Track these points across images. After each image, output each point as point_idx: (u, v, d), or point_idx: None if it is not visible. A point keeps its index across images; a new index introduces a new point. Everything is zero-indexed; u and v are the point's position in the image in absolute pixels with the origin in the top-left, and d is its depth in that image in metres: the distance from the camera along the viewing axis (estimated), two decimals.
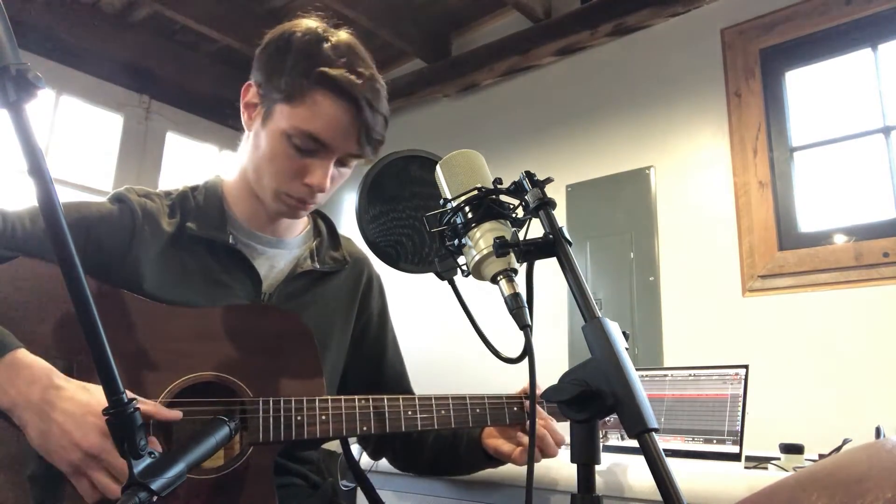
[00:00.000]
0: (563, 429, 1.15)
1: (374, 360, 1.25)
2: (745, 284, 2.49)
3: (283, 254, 1.15)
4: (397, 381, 1.26)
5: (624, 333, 0.64)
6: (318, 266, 1.15)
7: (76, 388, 0.81)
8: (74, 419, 0.78)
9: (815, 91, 2.57)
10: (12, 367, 0.80)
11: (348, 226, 1.05)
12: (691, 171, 2.74)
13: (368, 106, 1.01)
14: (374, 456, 1.30)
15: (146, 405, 0.84)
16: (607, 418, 1.24)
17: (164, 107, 3.93)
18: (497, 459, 1.16)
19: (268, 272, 1.12)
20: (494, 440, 1.14)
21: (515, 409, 1.13)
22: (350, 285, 1.21)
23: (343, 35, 1.07)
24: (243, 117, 1.09)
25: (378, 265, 1.13)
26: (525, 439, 1.12)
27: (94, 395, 0.81)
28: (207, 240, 1.06)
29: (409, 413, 1.03)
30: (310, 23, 1.07)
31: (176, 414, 0.86)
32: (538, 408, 1.14)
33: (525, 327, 0.70)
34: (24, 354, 0.82)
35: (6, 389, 0.79)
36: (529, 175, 0.77)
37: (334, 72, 1.00)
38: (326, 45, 1.02)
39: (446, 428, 1.08)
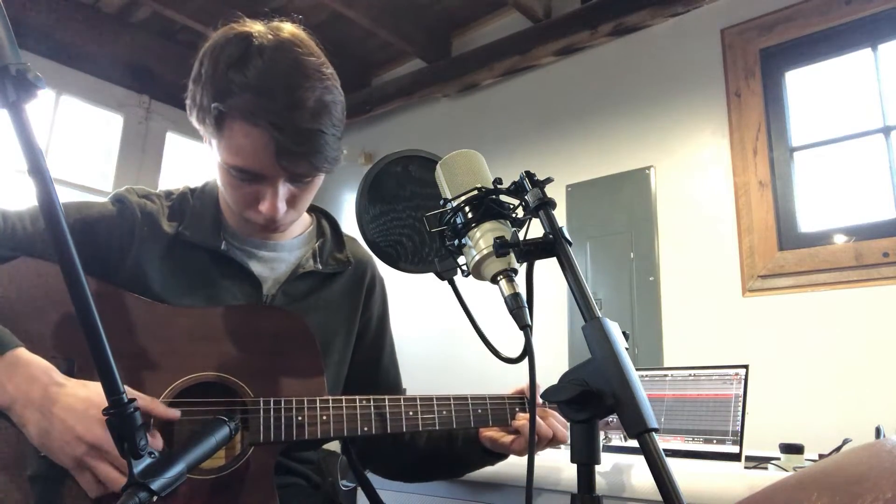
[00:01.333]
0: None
1: (369, 364, 1.22)
2: (745, 284, 2.49)
3: (282, 256, 1.14)
4: (390, 388, 1.24)
5: (624, 333, 0.64)
6: (320, 267, 1.13)
7: (75, 386, 0.82)
8: (76, 414, 0.78)
9: (815, 91, 2.57)
10: (12, 366, 0.81)
11: (349, 226, 1.04)
12: (691, 171, 2.74)
13: (277, 128, 0.90)
14: (360, 463, 1.20)
15: (143, 400, 0.84)
16: (610, 419, 1.24)
17: (164, 107, 3.93)
18: (495, 455, 1.15)
19: (268, 275, 1.11)
20: (491, 432, 1.14)
21: (518, 409, 1.13)
22: (353, 286, 1.19)
23: (274, 38, 0.95)
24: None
25: (380, 266, 1.13)
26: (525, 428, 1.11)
27: (93, 391, 0.81)
28: (202, 246, 1.06)
29: (411, 413, 1.03)
30: (237, 32, 0.95)
31: (174, 413, 0.86)
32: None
33: (525, 327, 0.70)
34: (23, 353, 0.82)
35: (5, 387, 0.80)
36: (529, 175, 0.77)
37: (236, 100, 0.91)
38: (235, 67, 0.92)
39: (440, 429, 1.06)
